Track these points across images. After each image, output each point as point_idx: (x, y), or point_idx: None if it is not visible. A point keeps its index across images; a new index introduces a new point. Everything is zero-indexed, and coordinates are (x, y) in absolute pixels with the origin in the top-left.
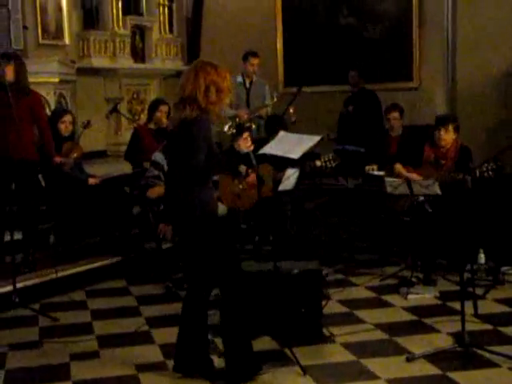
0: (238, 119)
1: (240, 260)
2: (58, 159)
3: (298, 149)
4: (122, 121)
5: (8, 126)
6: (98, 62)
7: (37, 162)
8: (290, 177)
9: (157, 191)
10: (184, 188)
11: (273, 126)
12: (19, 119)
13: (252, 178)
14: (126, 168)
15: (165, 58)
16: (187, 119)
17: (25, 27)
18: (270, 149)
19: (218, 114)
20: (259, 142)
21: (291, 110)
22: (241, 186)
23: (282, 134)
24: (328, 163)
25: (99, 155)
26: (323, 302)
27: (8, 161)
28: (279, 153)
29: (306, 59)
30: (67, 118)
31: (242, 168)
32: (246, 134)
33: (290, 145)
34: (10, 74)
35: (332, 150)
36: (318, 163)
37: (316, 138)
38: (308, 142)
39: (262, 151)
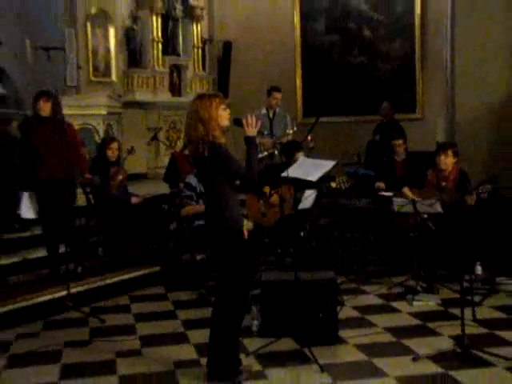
0: (262, 146)
1: (247, 273)
2: (88, 176)
3: (316, 172)
4: (160, 147)
5: (49, 152)
6: (141, 96)
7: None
8: (309, 197)
9: (189, 209)
10: (216, 206)
11: (290, 150)
12: (55, 147)
13: (275, 197)
14: (164, 188)
15: (198, 92)
16: (205, 153)
17: (79, 67)
18: (291, 172)
19: (220, 135)
20: (281, 166)
21: (309, 138)
22: (265, 205)
23: (301, 159)
24: (342, 184)
25: (141, 177)
26: (338, 308)
27: (48, 184)
28: (299, 176)
29: (322, 93)
30: (114, 145)
31: (266, 188)
32: (244, 121)
33: (308, 169)
34: (47, 109)
35: (344, 173)
36: (333, 184)
37: (332, 163)
38: (325, 166)
39: (284, 174)
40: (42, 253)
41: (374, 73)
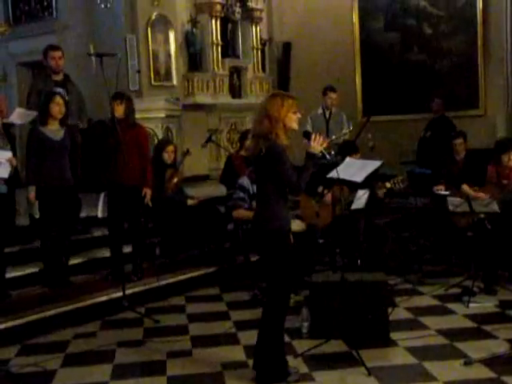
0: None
1: (291, 275)
2: (147, 191)
3: (362, 173)
4: (220, 149)
5: (119, 156)
6: (201, 98)
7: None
8: (361, 197)
9: (241, 213)
10: (265, 206)
11: (346, 150)
12: (127, 150)
13: (328, 197)
14: (222, 190)
15: (258, 93)
16: (262, 150)
17: (138, 71)
18: (337, 173)
19: (284, 137)
20: (330, 166)
21: (369, 136)
22: (319, 205)
23: (348, 160)
24: (397, 184)
25: (203, 178)
26: (390, 310)
27: (119, 187)
28: (345, 176)
29: (382, 92)
30: (170, 148)
31: (320, 189)
32: (313, 136)
33: (354, 169)
34: (120, 111)
35: (404, 172)
36: (388, 185)
37: (377, 163)
38: (371, 166)
39: (330, 175)
40: (103, 254)
41: (434, 70)
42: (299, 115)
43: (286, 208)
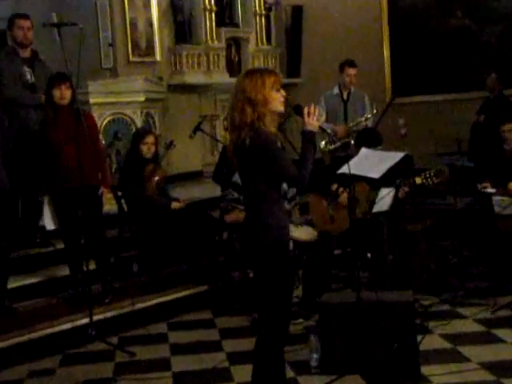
0: (335, 135)
1: (289, 296)
2: (103, 190)
3: (380, 167)
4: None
5: (69, 150)
6: (192, 77)
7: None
8: (385, 196)
9: (234, 216)
10: (256, 212)
11: (364, 140)
12: (77, 142)
13: (345, 198)
14: (215, 191)
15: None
16: (246, 142)
17: (110, 44)
18: (349, 167)
19: (272, 123)
20: (342, 160)
21: (401, 122)
22: (333, 207)
23: (363, 151)
24: (429, 180)
25: (195, 176)
26: (420, 337)
27: (67, 189)
28: (359, 172)
29: (415, 66)
30: (149, 139)
31: (334, 187)
32: (305, 110)
33: (371, 163)
34: (67, 97)
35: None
36: (419, 180)
37: (399, 155)
38: (391, 159)
39: (341, 170)
40: (64, 271)
41: (481, 38)
42: (284, 93)
43: (283, 212)
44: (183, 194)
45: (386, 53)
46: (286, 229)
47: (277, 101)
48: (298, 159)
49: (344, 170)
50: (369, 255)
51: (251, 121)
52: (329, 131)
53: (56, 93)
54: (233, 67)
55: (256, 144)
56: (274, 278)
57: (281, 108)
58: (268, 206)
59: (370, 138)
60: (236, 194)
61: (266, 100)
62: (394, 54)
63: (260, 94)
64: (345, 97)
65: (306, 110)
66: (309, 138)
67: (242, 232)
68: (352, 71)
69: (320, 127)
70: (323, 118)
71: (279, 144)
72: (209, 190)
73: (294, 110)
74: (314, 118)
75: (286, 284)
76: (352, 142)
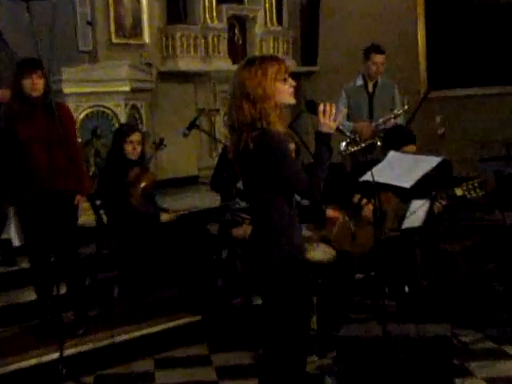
0: (358, 135)
1: (306, 329)
2: (79, 198)
3: (412, 175)
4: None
5: (40, 151)
6: (187, 64)
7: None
8: (418, 210)
9: (242, 231)
10: (263, 226)
11: (393, 141)
12: (51, 141)
13: (369, 210)
14: (217, 199)
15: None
16: (249, 146)
17: (89, 23)
18: (375, 174)
19: (279, 121)
20: (366, 165)
21: (438, 120)
22: (355, 223)
23: (392, 154)
24: (472, 191)
25: (190, 182)
26: (460, 381)
27: (42, 195)
28: (387, 180)
29: (456, 53)
30: (135, 137)
31: (356, 198)
32: (321, 107)
33: (401, 170)
34: (39, 86)
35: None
36: (459, 191)
37: (435, 161)
38: (425, 165)
39: (364, 178)
40: (29, 296)
41: None
42: (293, 82)
43: (297, 227)
44: (175, 204)
45: (421, 37)
46: (300, 245)
47: (284, 93)
48: (312, 165)
49: (368, 177)
50: (406, 289)
51: (252, 120)
52: (348, 133)
53: (26, 83)
54: (236, 52)
55: (261, 147)
56: (286, 305)
57: (290, 100)
58: (278, 218)
59: (401, 139)
60: (244, 204)
61: (268, 94)
62: (431, 39)
63: (259, 88)
64: (370, 89)
65: (321, 108)
66: (323, 140)
67: (246, 249)
68: (379, 58)
69: (338, 129)
70: (343, 115)
71: (292, 146)
72: (206, 199)
73: (307, 106)
74: (331, 118)
75: (301, 312)
76: (379, 143)
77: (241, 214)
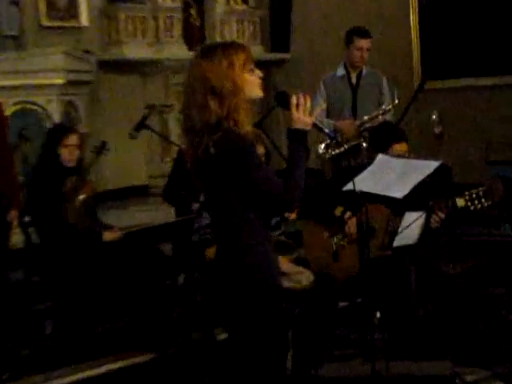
0: (340, 135)
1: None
2: (14, 215)
3: (405, 182)
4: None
5: None
6: (133, 51)
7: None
8: (412, 225)
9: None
10: (230, 245)
11: (381, 140)
12: None
13: (353, 225)
14: (171, 213)
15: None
16: (210, 150)
17: (14, 2)
18: (360, 182)
19: (246, 119)
20: (349, 171)
21: (434, 116)
22: (337, 240)
23: (380, 158)
24: (476, 201)
25: (138, 193)
26: None
27: None
28: (375, 189)
29: (455, 38)
30: (71, 139)
31: (338, 211)
32: (293, 100)
33: (391, 176)
34: None
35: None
36: (461, 202)
37: (432, 165)
38: (420, 171)
39: (348, 187)
40: None
41: None
42: (260, 73)
43: (269, 244)
44: (121, 220)
45: (414, 20)
46: (275, 267)
47: (252, 85)
48: (285, 170)
49: (352, 186)
50: (378, 314)
51: (218, 120)
52: (326, 131)
53: None
54: (193, 37)
55: (224, 151)
56: (258, 340)
57: (259, 93)
58: (248, 235)
59: (389, 137)
60: (208, 218)
61: (238, 87)
62: (425, 22)
63: (228, 81)
64: (354, 80)
65: (293, 100)
66: (298, 139)
67: (207, 274)
68: (364, 43)
69: (315, 125)
70: (320, 109)
71: (261, 149)
72: (158, 213)
73: (277, 99)
74: (306, 112)
75: (278, 348)
76: (364, 144)
77: (209, 232)
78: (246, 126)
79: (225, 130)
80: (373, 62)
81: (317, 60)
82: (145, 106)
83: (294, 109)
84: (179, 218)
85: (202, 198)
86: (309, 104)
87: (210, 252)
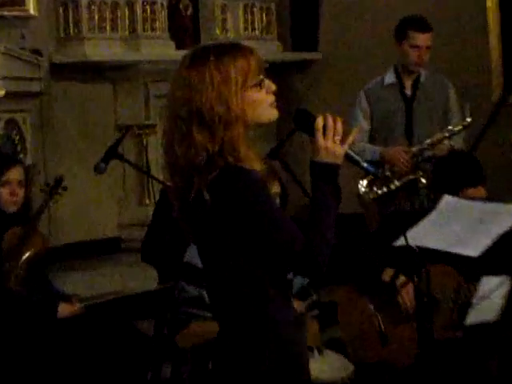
0: (388, 167)
1: None
2: None
3: (482, 236)
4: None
5: None
6: (99, 50)
7: None
8: (492, 294)
9: (194, 334)
10: (236, 320)
11: (448, 179)
12: None
13: (410, 296)
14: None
15: (242, 37)
16: (204, 196)
17: None
18: (419, 235)
19: (252, 154)
20: (402, 218)
21: None
22: (385, 316)
23: (446, 200)
24: None
25: (108, 249)
26: None
27: None
28: (438, 245)
29: None
30: (13, 173)
31: (387, 275)
32: (319, 121)
33: (462, 227)
34: None
35: None
36: None
37: None
38: (503, 219)
39: (400, 241)
40: None
41: None
42: (273, 86)
43: (290, 318)
44: (82, 287)
45: (493, 19)
46: (299, 353)
47: (259, 104)
48: (307, 219)
49: (408, 240)
50: None
51: (208, 158)
52: (365, 165)
53: None
54: (182, 30)
55: (224, 197)
56: None
57: (271, 114)
58: (260, 307)
59: (461, 176)
60: (194, 289)
61: (235, 113)
62: (507, 19)
63: (221, 104)
64: (408, 90)
65: (319, 123)
66: (325, 177)
67: (204, 362)
68: (423, 39)
69: (349, 156)
70: (358, 132)
71: (275, 188)
72: (134, 277)
73: (296, 120)
74: (337, 139)
75: None
76: (423, 181)
77: (190, 309)
78: (252, 162)
79: (224, 167)
80: (436, 68)
81: (355, 62)
82: (116, 126)
83: (319, 134)
84: (163, 285)
85: (187, 256)
86: (340, 127)
87: (187, 336)
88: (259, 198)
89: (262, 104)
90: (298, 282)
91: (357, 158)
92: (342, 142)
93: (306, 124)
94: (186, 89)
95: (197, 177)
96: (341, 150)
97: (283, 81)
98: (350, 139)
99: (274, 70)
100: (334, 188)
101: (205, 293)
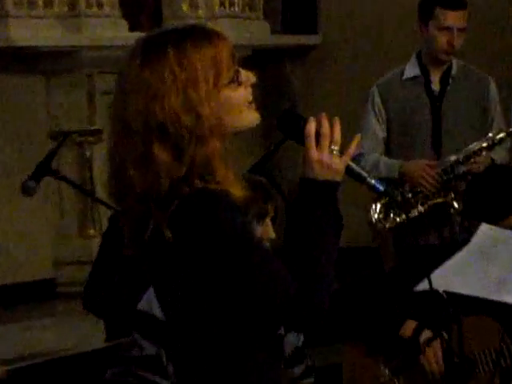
0: (409, 185)
1: None
2: None
3: None
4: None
5: None
6: (28, 34)
7: None
8: None
9: None
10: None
11: (487, 203)
12: None
13: (437, 356)
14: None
15: (217, 15)
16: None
17: None
18: (448, 277)
19: (231, 174)
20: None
21: None
22: (405, 382)
23: (484, 231)
24: None
25: (40, 295)
26: None
27: None
28: (474, 289)
29: None
30: None
31: (409, 328)
32: (310, 126)
33: (504, 266)
34: None
35: None
36: None
37: None
38: None
39: (423, 285)
40: None
41: None
42: (252, 77)
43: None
44: (6, 344)
45: None
46: None
47: (236, 105)
48: (296, 254)
49: (434, 284)
50: None
51: (172, 185)
52: (373, 182)
53: None
54: (138, 8)
55: (191, 236)
56: None
57: (251, 118)
58: (239, 373)
59: (504, 200)
60: (151, 347)
61: (206, 122)
62: None
63: (188, 112)
64: (436, 85)
65: (311, 127)
66: (321, 198)
67: None
68: (455, 18)
69: (351, 170)
70: (358, 140)
71: (254, 225)
72: (73, 330)
73: (281, 124)
74: (334, 147)
75: None
76: (456, 205)
77: (140, 372)
78: (230, 187)
79: (192, 192)
80: (471, 58)
81: (365, 48)
82: (50, 132)
83: (311, 143)
84: (111, 342)
85: (141, 303)
86: (338, 133)
87: None
88: (240, 234)
89: (239, 104)
90: (291, 341)
91: (362, 173)
92: (341, 152)
93: (294, 129)
94: (141, 94)
95: (155, 210)
96: (340, 164)
97: (272, 72)
98: (353, 148)
99: (260, 58)
100: (332, 213)
101: (164, 352)
